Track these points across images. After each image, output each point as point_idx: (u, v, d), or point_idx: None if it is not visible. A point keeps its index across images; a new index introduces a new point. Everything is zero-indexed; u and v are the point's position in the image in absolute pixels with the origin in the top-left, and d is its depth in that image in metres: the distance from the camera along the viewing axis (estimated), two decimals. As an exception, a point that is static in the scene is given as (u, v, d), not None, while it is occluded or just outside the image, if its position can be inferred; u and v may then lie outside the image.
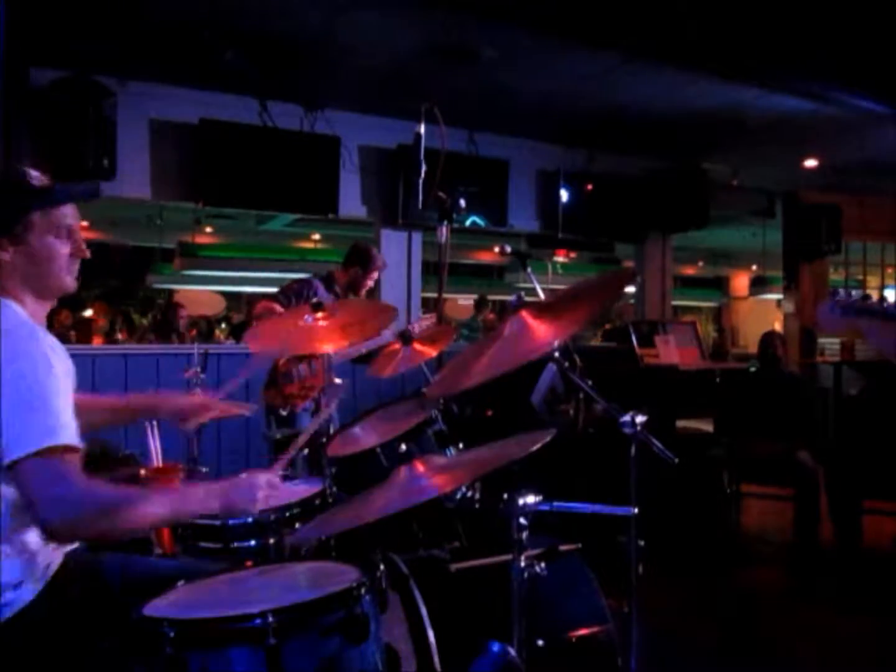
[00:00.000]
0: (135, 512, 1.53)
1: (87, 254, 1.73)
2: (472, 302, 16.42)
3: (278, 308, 3.98)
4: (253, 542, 2.09)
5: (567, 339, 1.71)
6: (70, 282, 1.72)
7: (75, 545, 1.75)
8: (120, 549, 2.05)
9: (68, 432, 1.50)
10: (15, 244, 1.63)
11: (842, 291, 1.76)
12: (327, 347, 2.56)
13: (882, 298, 1.68)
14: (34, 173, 1.67)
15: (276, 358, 4.06)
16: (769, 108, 5.49)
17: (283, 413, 4.04)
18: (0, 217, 1.62)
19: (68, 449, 1.48)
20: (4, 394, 1.47)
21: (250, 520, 2.10)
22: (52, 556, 1.67)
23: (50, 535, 1.50)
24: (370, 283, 4.26)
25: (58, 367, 1.56)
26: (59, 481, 1.46)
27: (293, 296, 4.09)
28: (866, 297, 1.70)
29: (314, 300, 2.65)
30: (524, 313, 1.84)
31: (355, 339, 2.64)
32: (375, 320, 2.77)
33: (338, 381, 2.70)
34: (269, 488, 1.71)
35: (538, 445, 1.65)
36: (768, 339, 4.89)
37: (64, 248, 1.68)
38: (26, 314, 1.64)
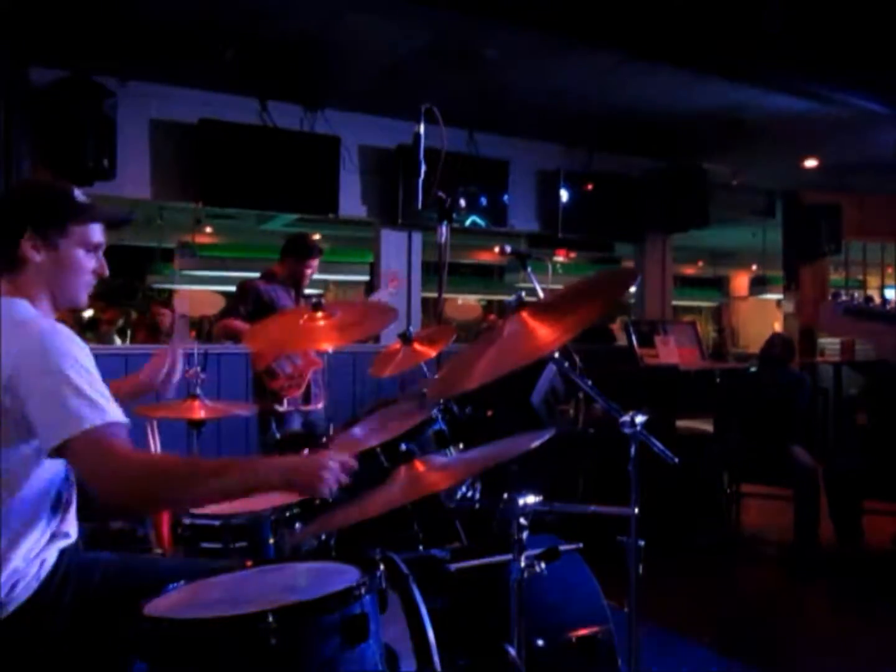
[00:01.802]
0: (196, 481, 1.55)
1: (107, 273, 1.80)
2: (471, 301, 16.48)
3: (238, 324, 4.05)
4: (253, 543, 2.09)
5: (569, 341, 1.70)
6: (84, 298, 1.80)
7: (71, 541, 1.75)
8: (120, 549, 2.06)
9: (109, 410, 1.54)
10: (48, 249, 1.70)
11: (843, 293, 1.75)
12: (326, 346, 2.56)
13: (885, 301, 1.67)
14: (77, 191, 1.76)
15: (255, 367, 4.13)
16: (769, 108, 5.49)
17: (281, 410, 4.06)
18: (41, 220, 1.70)
19: (111, 425, 1.53)
20: (38, 381, 1.51)
21: (250, 520, 2.10)
22: (46, 554, 1.67)
23: (109, 507, 1.60)
24: (309, 273, 4.27)
25: (83, 350, 1.60)
26: (106, 457, 1.50)
27: (241, 305, 4.16)
28: (869, 299, 1.69)
29: (314, 300, 2.65)
30: (524, 314, 1.83)
31: (354, 338, 2.64)
32: (374, 320, 2.78)
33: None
34: (339, 468, 1.63)
35: (538, 442, 1.65)
36: (772, 339, 4.91)
37: (89, 264, 1.76)
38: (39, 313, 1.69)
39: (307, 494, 1.74)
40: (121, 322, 10.00)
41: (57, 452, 1.52)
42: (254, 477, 1.60)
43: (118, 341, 8.71)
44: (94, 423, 1.50)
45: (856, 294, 1.75)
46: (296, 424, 4.12)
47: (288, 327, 2.69)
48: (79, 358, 1.58)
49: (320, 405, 4.24)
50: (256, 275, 4.41)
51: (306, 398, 4.14)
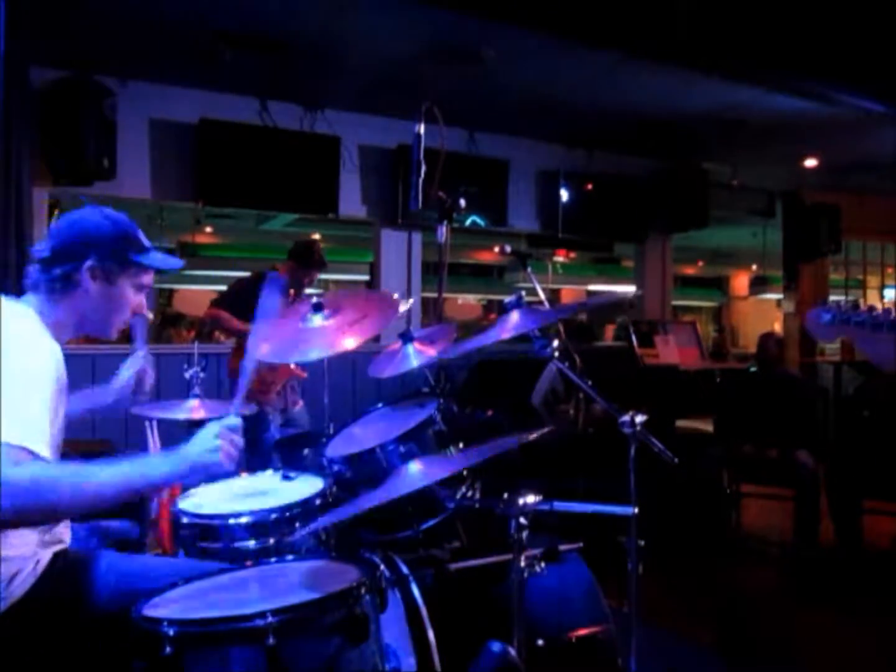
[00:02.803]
0: (81, 488, 1.47)
1: (146, 313, 1.88)
2: (471, 301, 16.48)
3: (226, 316, 4.05)
4: (253, 542, 2.09)
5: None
6: (114, 333, 1.84)
7: (64, 545, 1.76)
8: (119, 549, 2.06)
9: (34, 436, 1.46)
10: (104, 281, 1.75)
11: (830, 299, 1.75)
12: (335, 348, 2.55)
13: (871, 307, 1.66)
14: (140, 233, 1.83)
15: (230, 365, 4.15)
16: (769, 108, 5.49)
17: (250, 413, 4.04)
18: (109, 253, 1.74)
19: (24, 451, 1.44)
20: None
21: (250, 520, 2.10)
22: (41, 553, 1.67)
23: None
24: (307, 283, 4.27)
25: (51, 374, 1.57)
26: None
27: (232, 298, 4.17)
28: (856, 305, 1.68)
29: (315, 300, 2.65)
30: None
31: (360, 337, 2.63)
32: (377, 314, 2.76)
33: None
34: (227, 433, 1.64)
35: (536, 434, 1.65)
36: (764, 340, 4.90)
37: (133, 301, 1.82)
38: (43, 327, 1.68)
39: (212, 471, 1.68)
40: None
41: None
42: (156, 471, 1.57)
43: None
44: (9, 441, 1.42)
45: (842, 301, 1.74)
46: (275, 424, 4.14)
47: (289, 329, 2.68)
48: (24, 365, 1.53)
49: (297, 407, 4.33)
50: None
51: (283, 403, 4.22)
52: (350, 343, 2.47)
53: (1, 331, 1.55)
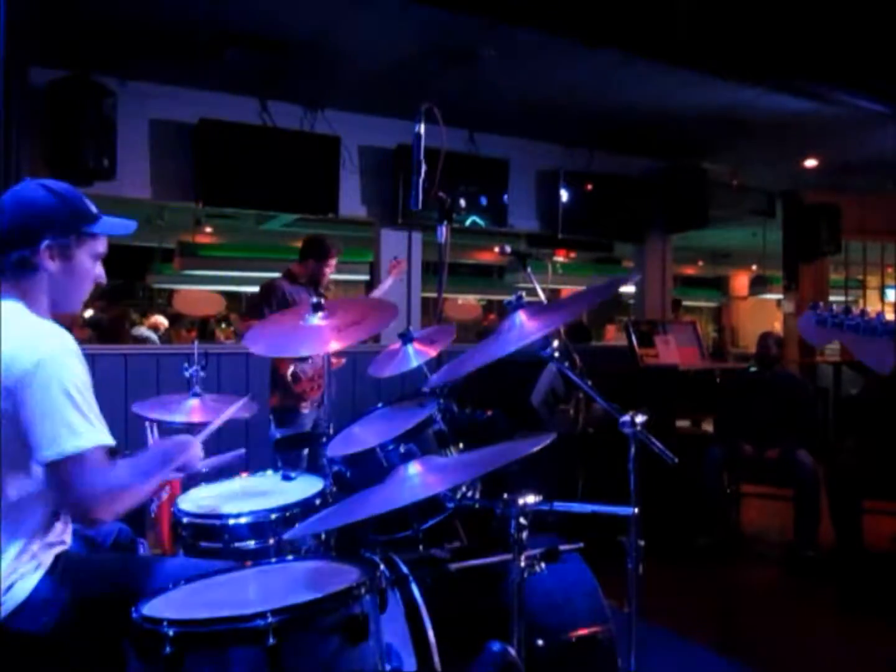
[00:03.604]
0: (135, 489, 1.69)
1: (105, 281, 1.84)
2: (471, 301, 16.47)
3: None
4: (253, 542, 2.09)
5: (559, 328, 1.74)
6: (80, 306, 1.83)
7: (66, 547, 1.76)
8: (119, 549, 2.06)
9: (97, 432, 1.60)
10: (63, 258, 1.72)
11: (821, 304, 1.74)
12: (329, 347, 2.57)
13: (863, 311, 1.66)
14: (88, 200, 1.79)
15: (275, 363, 4.12)
16: (769, 108, 5.49)
17: (305, 411, 4.13)
18: (61, 230, 1.71)
19: (98, 449, 1.59)
20: (36, 396, 1.54)
21: (250, 520, 2.10)
22: (42, 556, 1.67)
23: (85, 522, 1.73)
24: (328, 272, 4.32)
25: (84, 367, 1.64)
26: (91, 478, 1.57)
27: (265, 306, 4.14)
28: (848, 309, 1.68)
29: (314, 301, 2.65)
30: (521, 312, 1.88)
31: (355, 338, 2.64)
32: (375, 319, 2.77)
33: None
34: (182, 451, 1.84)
35: (538, 447, 1.65)
36: (763, 340, 4.90)
37: (93, 272, 1.79)
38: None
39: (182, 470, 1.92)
40: (163, 329, 10.11)
41: (50, 466, 1.56)
42: (155, 460, 1.80)
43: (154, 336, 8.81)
44: (87, 445, 1.56)
45: (833, 306, 1.73)
46: (308, 423, 4.16)
47: (288, 329, 2.69)
48: (80, 375, 1.61)
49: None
50: (278, 274, 4.42)
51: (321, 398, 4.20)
52: (336, 346, 2.49)
53: (42, 338, 1.61)
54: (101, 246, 1.80)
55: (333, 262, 4.31)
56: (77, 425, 1.56)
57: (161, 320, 9.94)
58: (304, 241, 4.42)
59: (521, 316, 1.93)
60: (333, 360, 4.04)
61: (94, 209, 1.78)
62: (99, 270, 1.81)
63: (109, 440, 1.62)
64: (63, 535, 1.76)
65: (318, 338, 2.56)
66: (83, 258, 1.75)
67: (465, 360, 2.02)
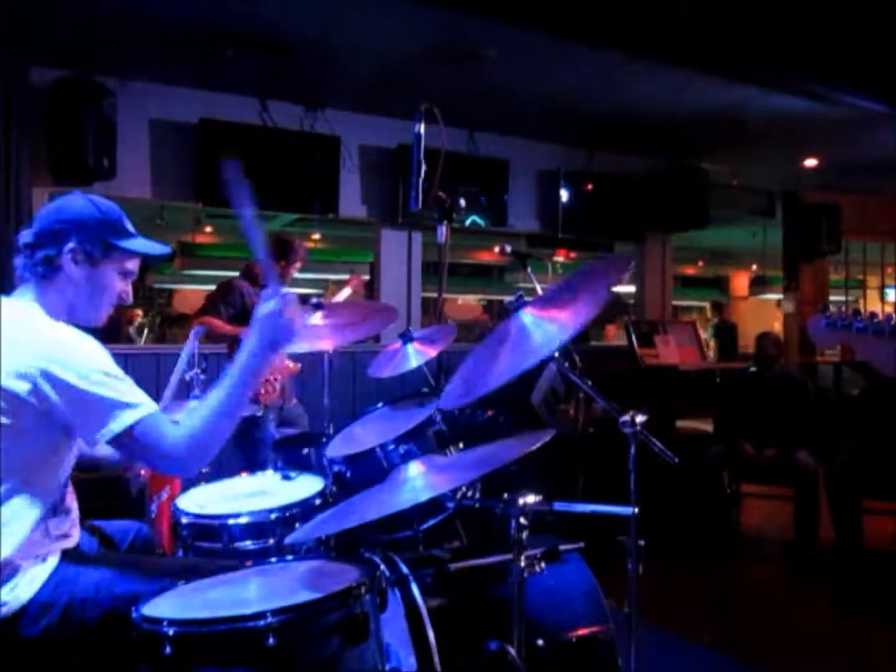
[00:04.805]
0: (225, 417, 1.67)
1: (130, 300, 1.86)
2: (471, 301, 16.47)
3: (218, 322, 4.04)
4: (253, 542, 2.09)
5: (580, 327, 1.70)
6: (103, 319, 1.83)
7: (71, 542, 1.76)
8: (135, 550, 2.06)
9: (143, 402, 1.62)
10: (87, 265, 1.74)
11: (831, 304, 1.75)
12: (325, 346, 2.57)
13: (872, 314, 1.66)
14: (127, 220, 1.83)
15: None
16: (769, 108, 5.49)
17: (258, 414, 4.04)
18: (89, 237, 1.73)
19: (150, 415, 1.61)
20: (79, 384, 1.56)
21: (250, 520, 2.10)
22: (47, 554, 1.67)
23: (181, 473, 1.89)
24: (293, 273, 4.32)
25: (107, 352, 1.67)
26: (157, 443, 1.61)
27: (222, 305, 4.13)
28: (857, 312, 1.68)
29: (313, 301, 2.66)
30: (527, 311, 1.85)
31: (353, 338, 2.65)
32: (373, 320, 2.78)
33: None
34: (287, 303, 1.76)
35: (537, 446, 1.65)
36: (763, 340, 4.90)
37: (118, 287, 1.81)
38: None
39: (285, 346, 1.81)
40: (138, 321, 10.12)
41: (115, 441, 1.60)
42: (251, 366, 1.71)
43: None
44: (137, 418, 1.59)
45: (842, 308, 1.74)
46: (271, 423, 4.13)
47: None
48: (108, 359, 1.64)
49: (292, 403, 4.33)
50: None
51: (281, 401, 4.21)
52: (327, 344, 2.50)
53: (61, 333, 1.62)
54: (132, 265, 1.82)
55: (299, 264, 4.30)
56: (126, 397, 1.59)
57: (136, 312, 9.97)
58: (272, 241, 4.38)
59: (527, 315, 1.84)
60: (290, 364, 4.05)
61: (129, 227, 1.81)
62: (125, 288, 1.82)
63: (155, 405, 1.64)
64: (69, 529, 1.76)
65: (315, 338, 2.56)
66: (108, 271, 1.77)
67: (477, 372, 1.86)
